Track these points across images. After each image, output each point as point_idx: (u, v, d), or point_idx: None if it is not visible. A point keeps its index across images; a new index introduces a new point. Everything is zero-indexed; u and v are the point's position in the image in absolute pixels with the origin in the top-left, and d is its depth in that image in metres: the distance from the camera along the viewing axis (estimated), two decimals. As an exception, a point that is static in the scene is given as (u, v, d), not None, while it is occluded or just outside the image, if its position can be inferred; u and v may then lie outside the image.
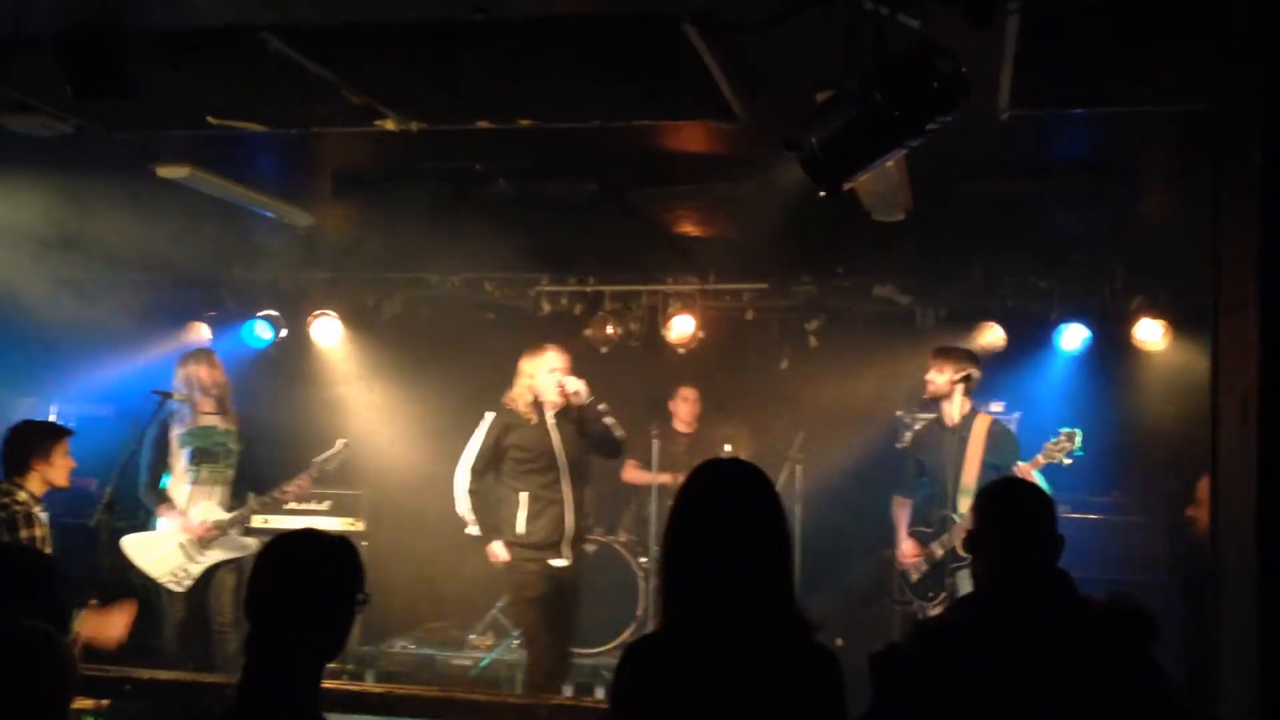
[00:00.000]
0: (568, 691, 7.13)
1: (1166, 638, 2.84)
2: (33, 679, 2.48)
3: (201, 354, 6.94)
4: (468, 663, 7.76)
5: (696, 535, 2.64)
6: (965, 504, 6.10)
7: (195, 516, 6.53)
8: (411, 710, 4.68)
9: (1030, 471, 6.17)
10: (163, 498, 6.58)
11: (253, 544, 6.54)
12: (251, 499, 6.72)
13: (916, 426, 7.62)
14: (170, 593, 6.46)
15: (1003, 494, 3.34)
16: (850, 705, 2.58)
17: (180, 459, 6.63)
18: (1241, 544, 3.00)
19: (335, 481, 7.55)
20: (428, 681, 7.45)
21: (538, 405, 6.12)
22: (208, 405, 6.71)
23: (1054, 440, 6.23)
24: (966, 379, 6.37)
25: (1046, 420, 6.97)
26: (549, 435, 6.11)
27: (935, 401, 6.56)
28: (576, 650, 6.83)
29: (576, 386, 6.00)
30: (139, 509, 6.87)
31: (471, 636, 8.15)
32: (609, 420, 6.11)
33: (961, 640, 2.91)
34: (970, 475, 6.28)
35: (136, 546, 6.50)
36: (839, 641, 7.19)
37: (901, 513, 6.70)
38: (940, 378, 6.42)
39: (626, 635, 7.47)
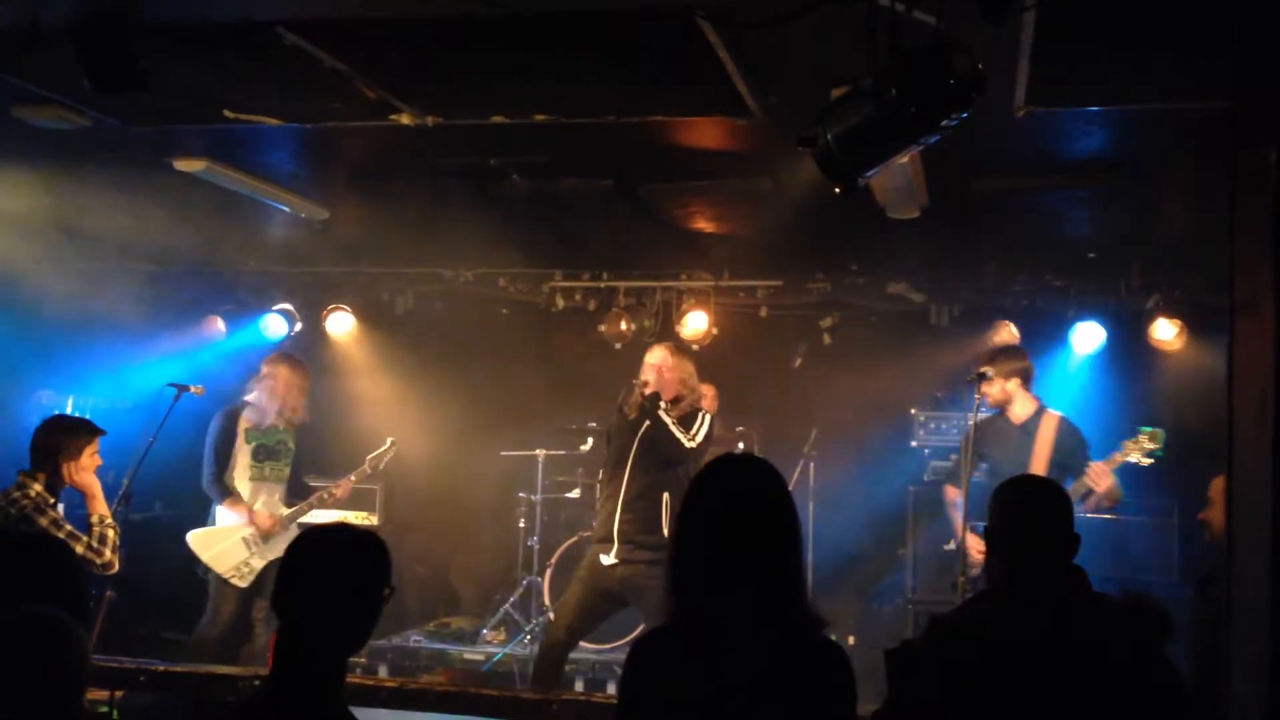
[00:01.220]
0: (579, 687, 7.17)
1: (1178, 637, 2.84)
2: (50, 667, 2.49)
3: (297, 367, 6.99)
4: (481, 657, 7.79)
5: (707, 530, 2.65)
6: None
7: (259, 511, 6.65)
8: (424, 704, 4.69)
9: (1108, 471, 6.04)
10: (228, 491, 6.64)
11: None
12: (313, 494, 6.84)
13: (967, 422, 7.46)
14: (228, 587, 6.50)
15: (1020, 490, 3.33)
16: (862, 702, 2.58)
17: (245, 454, 6.72)
18: (1256, 543, 3.00)
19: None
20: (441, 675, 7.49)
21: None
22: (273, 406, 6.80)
23: (1133, 439, 6.11)
24: (1022, 374, 6.33)
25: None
26: (635, 432, 5.99)
27: (971, 402, 6.47)
28: (586, 646, 6.83)
29: (646, 377, 5.95)
30: (154, 502, 6.89)
31: (485, 631, 8.17)
32: (666, 419, 5.89)
33: (976, 636, 2.90)
34: (1039, 473, 6.14)
35: (202, 541, 6.57)
36: (851, 639, 7.19)
37: (955, 501, 6.48)
38: (992, 388, 6.32)
39: (637, 631, 7.47)
